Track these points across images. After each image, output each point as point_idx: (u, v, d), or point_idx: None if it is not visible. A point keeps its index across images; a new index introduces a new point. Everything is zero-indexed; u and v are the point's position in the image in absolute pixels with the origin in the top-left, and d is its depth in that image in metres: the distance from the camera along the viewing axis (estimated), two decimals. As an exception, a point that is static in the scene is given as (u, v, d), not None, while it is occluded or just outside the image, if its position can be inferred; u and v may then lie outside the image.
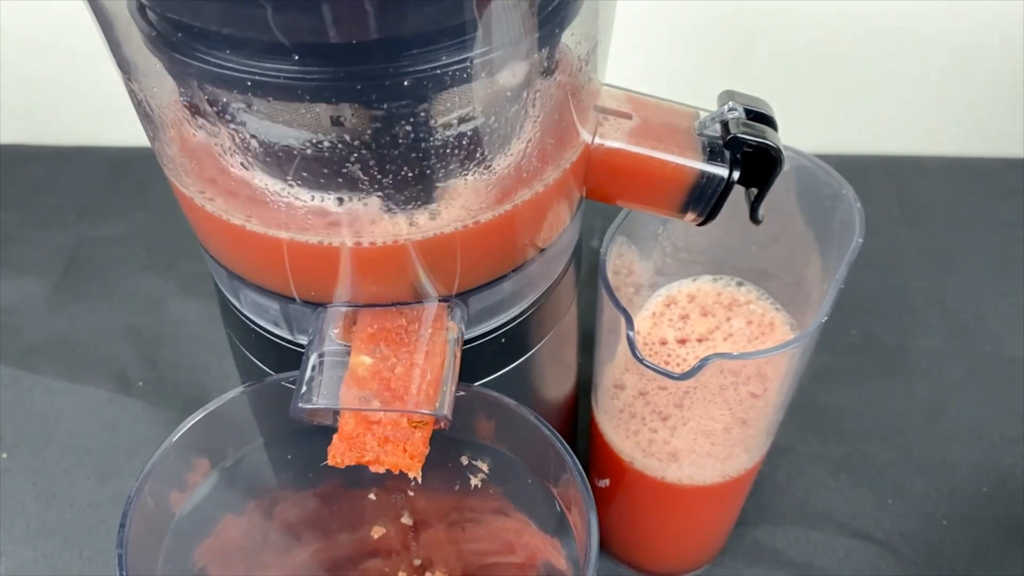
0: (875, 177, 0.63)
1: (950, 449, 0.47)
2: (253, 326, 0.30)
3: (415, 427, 0.26)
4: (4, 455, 0.47)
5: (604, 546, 0.44)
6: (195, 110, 0.23)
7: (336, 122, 0.22)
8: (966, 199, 0.62)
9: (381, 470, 0.25)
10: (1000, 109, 0.62)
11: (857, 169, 0.62)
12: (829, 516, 0.45)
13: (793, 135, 0.36)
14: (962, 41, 0.59)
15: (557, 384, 0.37)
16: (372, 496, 0.33)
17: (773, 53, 0.60)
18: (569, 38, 0.24)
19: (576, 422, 0.43)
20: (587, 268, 0.36)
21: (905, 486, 0.46)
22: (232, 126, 0.23)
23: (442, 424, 0.26)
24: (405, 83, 0.21)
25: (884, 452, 0.47)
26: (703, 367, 0.30)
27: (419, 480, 0.26)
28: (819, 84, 0.62)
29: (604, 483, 0.41)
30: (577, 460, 0.27)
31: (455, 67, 0.21)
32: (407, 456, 0.25)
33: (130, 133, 0.64)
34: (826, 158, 0.36)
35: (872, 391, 0.50)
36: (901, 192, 0.62)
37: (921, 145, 0.65)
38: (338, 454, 0.26)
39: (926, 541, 0.44)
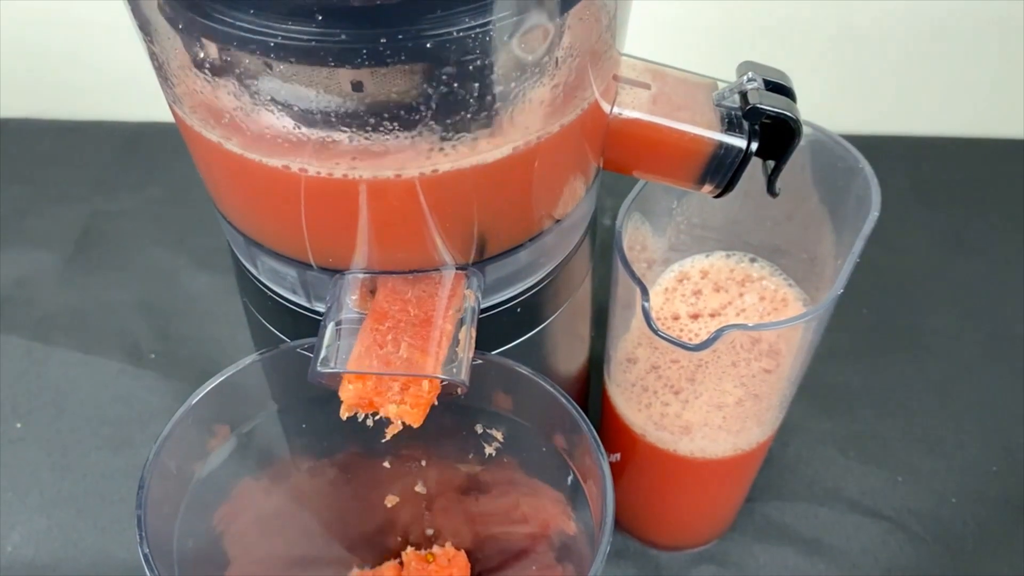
0: (888, 157, 0.62)
1: (960, 428, 0.47)
2: (270, 294, 0.30)
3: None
4: (19, 425, 0.48)
5: (616, 520, 0.44)
6: (210, 65, 0.23)
7: (356, 87, 0.22)
8: (979, 180, 0.61)
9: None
10: (1015, 90, 0.62)
11: (870, 149, 0.61)
12: (839, 493, 0.45)
13: (806, 114, 0.36)
14: (978, 21, 0.59)
15: (570, 356, 0.37)
16: (386, 464, 0.34)
17: (788, 32, 0.60)
18: (588, 8, 0.24)
19: (588, 396, 0.43)
20: (599, 244, 0.37)
21: (915, 464, 0.46)
22: (248, 81, 0.22)
23: (459, 391, 0.26)
24: (427, 45, 0.21)
25: (894, 430, 0.47)
26: (719, 338, 0.30)
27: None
28: (833, 63, 0.62)
29: (615, 457, 0.41)
30: (593, 428, 0.27)
31: (476, 30, 0.21)
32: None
33: (142, 108, 0.65)
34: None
35: (883, 370, 0.50)
36: (914, 172, 0.62)
37: (935, 125, 0.65)
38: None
39: (935, 518, 0.44)
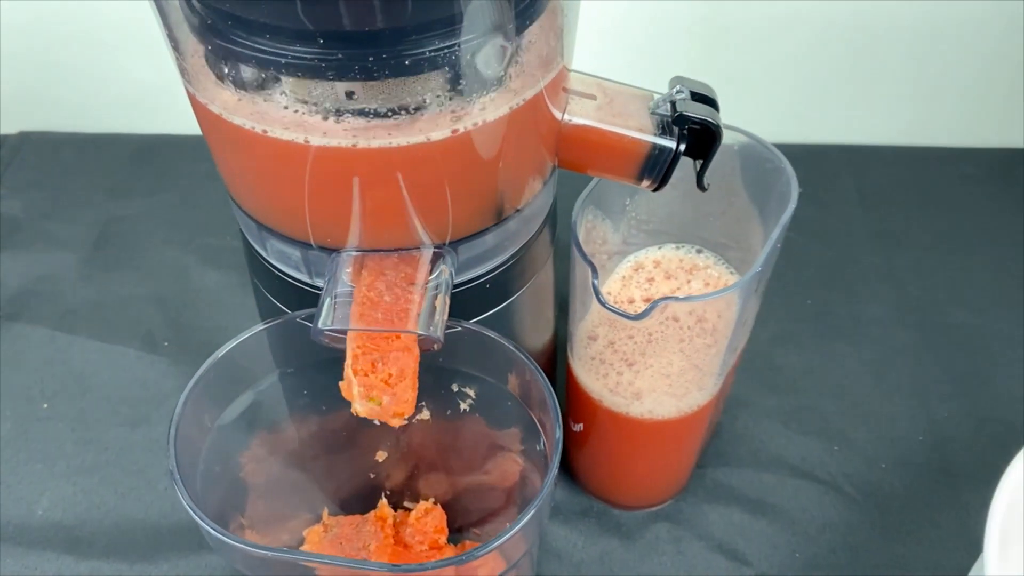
0: (834, 164, 0.68)
1: (891, 403, 0.53)
2: (277, 272, 0.35)
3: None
4: (45, 405, 0.53)
5: (580, 483, 0.49)
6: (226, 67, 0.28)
7: (349, 95, 0.28)
8: (917, 184, 0.67)
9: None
10: (951, 102, 0.68)
11: (818, 156, 0.68)
12: (781, 460, 0.50)
13: (759, 125, 0.41)
14: (915, 38, 0.64)
15: (535, 332, 0.42)
16: (376, 422, 0.39)
17: (741, 48, 0.65)
18: (538, 30, 0.29)
19: (555, 375, 0.48)
20: (565, 245, 0.42)
21: (849, 435, 0.51)
22: (267, 89, 0.28)
23: (436, 346, 0.31)
24: (406, 63, 0.26)
25: (832, 406, 0.53)
26: (655, 308, 0.35)
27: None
28: (783, 78, 0.67)
29: (578, 427, 0.46)
30: (543, 372, 0.32)
31: (445, 50, 0.27)
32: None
33: (153, 122, 0.71)
34: (790, 147, 0.41)
35: (824, 353, 0.55)
36: (858, 177, 0.67)
37: (877, 135, 0.70)
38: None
39: (867, 481, 0.49)
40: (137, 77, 0.68)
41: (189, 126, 0.74)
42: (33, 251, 0.62)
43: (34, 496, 0.48)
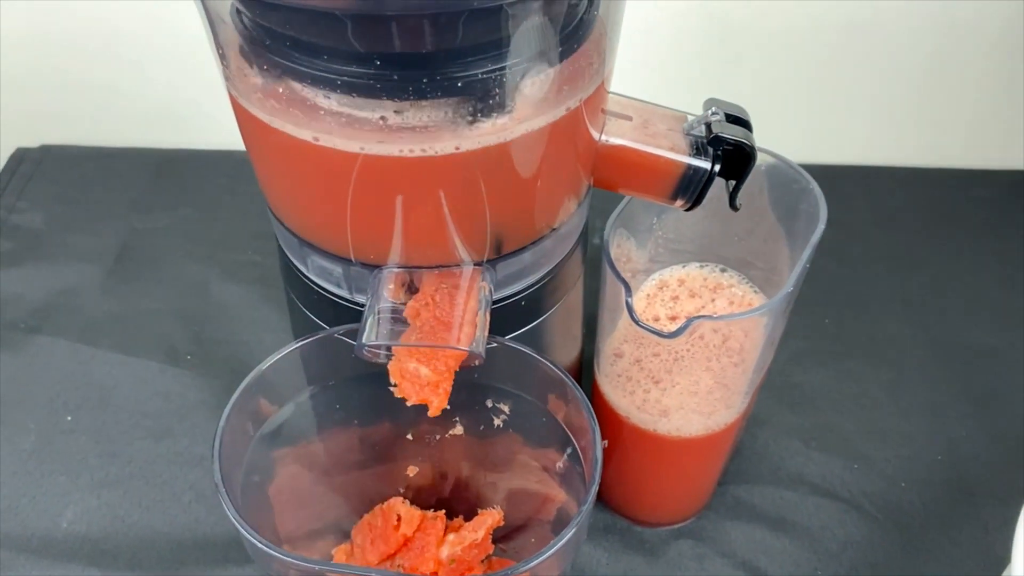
0: (850, 185, 0.69)
1: (909, 422, 0.53)
2: (316, 288, 0.36)
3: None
4: (69, 418, 0.53)
5: (604, 500, 0.49)
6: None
7: (399, 111, 0.28)
8: (931, 205, 0.68)
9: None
10: (964, 124, 0.69)
11: (834, 177, 0.69)
12: (801, 478, 0.51)
13: (777, 146, 0.42)
14: (929, 61, 0.66)
15: (565, 348, 0.43)
16: (409, 437, 0.39)
17: (756, 70, 0.66)
18: (582, 55, 0.30)
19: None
20: (589, 260, 0.42)
21: (869, 453, 0.52)
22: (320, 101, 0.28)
23: (477, 362, 0.32)
24: (458, 84, 0.27)
25: (851, 424, 0.53)
26: (688, 327, 0.36)
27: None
28: (801, 101, 0.68)
29: (604, 444, 0.46)
30: (581, 390, 0.33)
31: (496, 72, 0.27)
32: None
33: (174, 136, 0.71)
34: (807, 167, 0.41)
35: (841, 371, 0.56)
36: (873, 198, 0.68)
37: (892, 156, 0.71)
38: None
39: (886, 500, 0.49)
40: (159, 91, 0.68)
41: (211, 140, 0.75)
42: (55, 264, 0.62)
43: (58, 509, 0.48)
